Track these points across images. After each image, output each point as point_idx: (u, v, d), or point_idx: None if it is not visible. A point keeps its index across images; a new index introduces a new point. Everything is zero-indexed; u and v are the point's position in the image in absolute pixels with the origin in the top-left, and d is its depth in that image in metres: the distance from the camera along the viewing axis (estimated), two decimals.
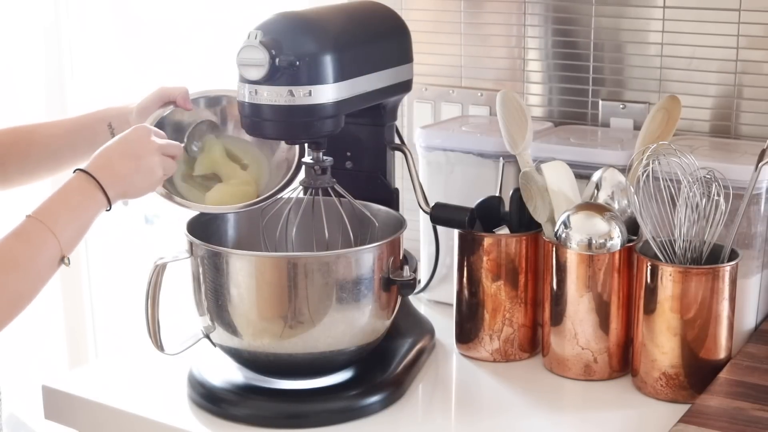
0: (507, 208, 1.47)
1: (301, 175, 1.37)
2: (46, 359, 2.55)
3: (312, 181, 1.35)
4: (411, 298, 1.49)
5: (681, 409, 1.23)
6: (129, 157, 1.27)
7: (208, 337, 1.33)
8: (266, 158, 1.42)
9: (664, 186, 1.31)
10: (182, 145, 1.35)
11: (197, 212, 1.36)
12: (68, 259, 1.20)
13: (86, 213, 1.23)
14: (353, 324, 1.28)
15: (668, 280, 1.28)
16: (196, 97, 1.44)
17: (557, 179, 1.41)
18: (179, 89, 1.42)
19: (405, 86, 1.44)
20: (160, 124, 1.40)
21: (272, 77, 1.23)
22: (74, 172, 1.25)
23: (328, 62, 1.25)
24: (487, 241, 1.41)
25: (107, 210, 1.25)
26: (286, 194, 1.37)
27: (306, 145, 1.37)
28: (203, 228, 1.36)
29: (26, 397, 2.26)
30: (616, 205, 1.39)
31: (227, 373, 1.35)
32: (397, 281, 1.30)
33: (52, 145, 1.44)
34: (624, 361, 1.38)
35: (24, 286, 1.17)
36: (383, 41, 1.40)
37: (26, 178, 1.47)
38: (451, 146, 1.59)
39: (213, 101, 1.45)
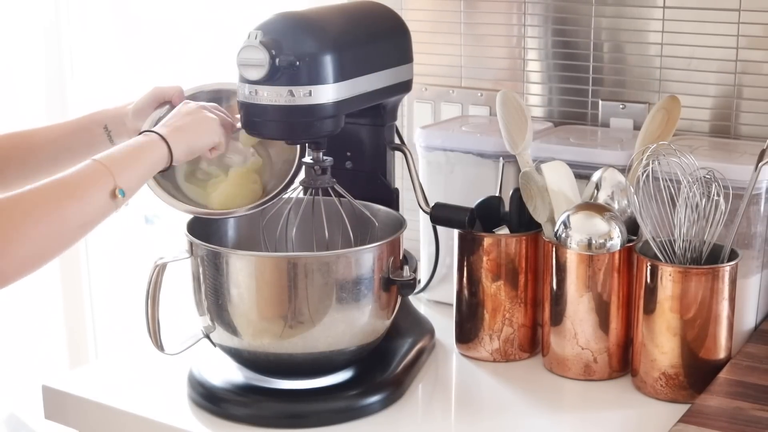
0: (507, 208, 1.47)
1: (301, 175, 1.37)
2: (46, 359, 2.55)
3: (312, 181, 1.35)
4: (411, 298, 1.49)
5: (681, 409, 1.23)
6: (181, 115, 1.32)
7: (208, 337, 1.33)
8: (269, 158, 1.42)
9: (664, 186, 1.31)
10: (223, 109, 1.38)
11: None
12: (122, 191, 1.20)
13: (145, 154, 1.25)
14: (353, 324, 1.28)
15: (668, 280, 1.28)
16: (192, 93, 1.44)
17: (557, 179, 1.41)
18: (174, 88, 1.42)
19: (405, 86, 1.44)
20: None
21: (272, 77, 1.23)
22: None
23: (328, 62, 1.25)
24: (487, 241, 1.41)
25: (165, 168, 1.27)
26: (286, 194, 1.37)
27: (306, 145, 1.37)
28: (203, 228, 1.36)
29: (26, 397, 2.27)
30: (616, 205, 1.39)
31: (227, 373, 1.35)
32: (397, 281, 1.30)
33: (50, 150, 1.44)
34: (624, 361, 1.38)
35: (73, 209, 1.17)
36: (383, 41, 1.40)
37: (26, 183, 1.46)
38: (451, 146, 1.59)
39: (209, 96, 1.45)
